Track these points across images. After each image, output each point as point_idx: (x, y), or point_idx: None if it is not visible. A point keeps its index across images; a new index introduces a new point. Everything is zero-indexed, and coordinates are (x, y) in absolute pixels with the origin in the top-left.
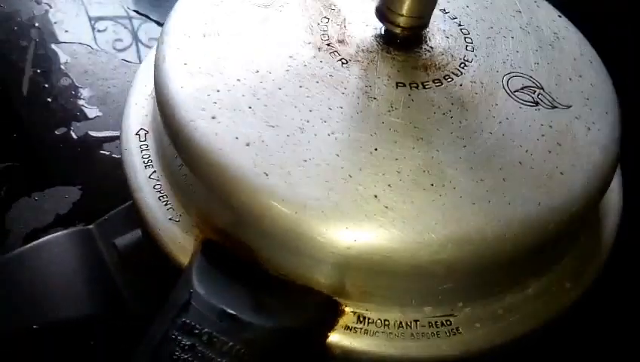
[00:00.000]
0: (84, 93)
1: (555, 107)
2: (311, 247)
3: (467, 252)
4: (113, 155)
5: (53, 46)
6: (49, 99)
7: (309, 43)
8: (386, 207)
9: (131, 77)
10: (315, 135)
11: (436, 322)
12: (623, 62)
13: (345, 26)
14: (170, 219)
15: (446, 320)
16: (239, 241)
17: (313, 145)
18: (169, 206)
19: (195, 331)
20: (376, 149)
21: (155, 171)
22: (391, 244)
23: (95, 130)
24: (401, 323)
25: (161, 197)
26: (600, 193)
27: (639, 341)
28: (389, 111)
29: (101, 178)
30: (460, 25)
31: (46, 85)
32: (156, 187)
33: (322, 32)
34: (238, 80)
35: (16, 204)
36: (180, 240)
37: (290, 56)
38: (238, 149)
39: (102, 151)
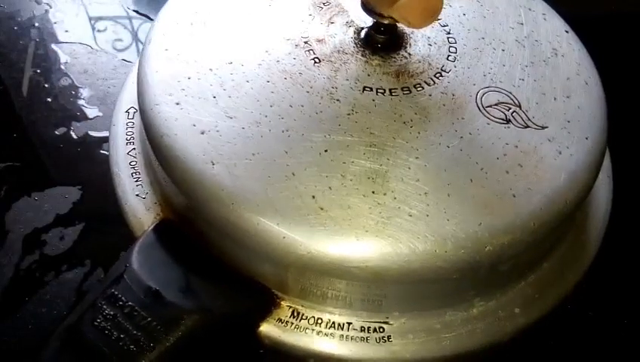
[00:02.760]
0: (84, 93)
1: (528, 127)
2: (246, 239)
3: (393, 263)
4: None
5: (53, 46)
6: (49, 99)
7: (288, 39)
8: (321, 208)
9: None
10: (270, 130)
11: (369, 327)
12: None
13: (328, 26)
14: (137, 195)
15: (379, 327)
16: (191, 224)
17: (265, 140)
18: (139, 183)
19: (119, 303)
20: (326, 151)
21: (134, 148)
22: (318, 245)
23: (95, 130)
24: (333, 323)
25: (133, 173)
26: (555, 222)
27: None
28: (349, 114)
29: (101, 178)
30: (448, 33)
31: (46, 85)
32: (132, 163)
33: (304, 30)
34: (210, 69)
35: (16, 204)
36: (140, 215)
37: (266, 51)
38: (192, 136)
39: (102, 151)
